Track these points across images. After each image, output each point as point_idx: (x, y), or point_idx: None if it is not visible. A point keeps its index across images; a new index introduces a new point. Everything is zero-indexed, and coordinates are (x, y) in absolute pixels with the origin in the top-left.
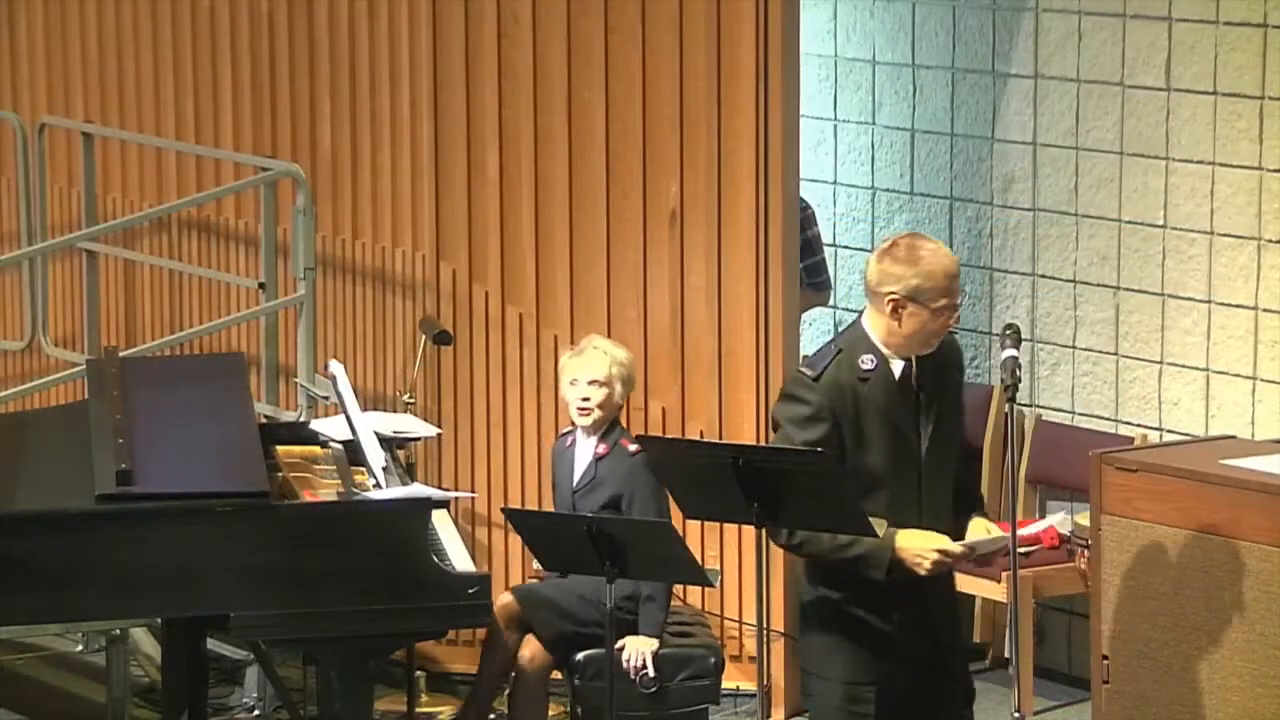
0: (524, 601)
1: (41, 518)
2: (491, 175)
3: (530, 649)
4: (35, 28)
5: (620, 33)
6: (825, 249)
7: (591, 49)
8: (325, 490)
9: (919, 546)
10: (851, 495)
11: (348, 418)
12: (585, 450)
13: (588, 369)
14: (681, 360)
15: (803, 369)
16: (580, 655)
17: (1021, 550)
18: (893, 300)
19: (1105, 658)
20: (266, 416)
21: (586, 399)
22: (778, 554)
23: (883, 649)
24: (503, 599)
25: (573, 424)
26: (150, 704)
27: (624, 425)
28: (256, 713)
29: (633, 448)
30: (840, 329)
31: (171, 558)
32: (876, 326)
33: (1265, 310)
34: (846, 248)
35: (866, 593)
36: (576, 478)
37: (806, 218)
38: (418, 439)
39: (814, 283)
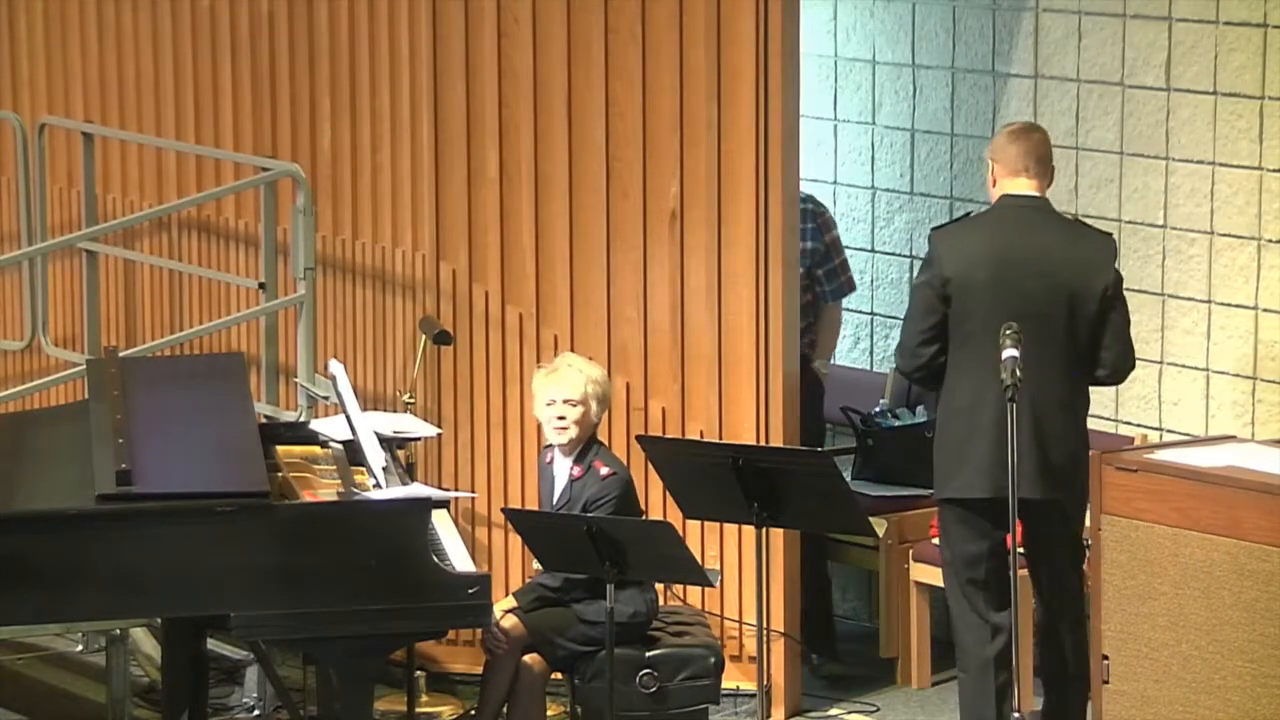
0: (530, 627)
1: (41, 518)
2: (491, 175)
3: (531, 653)
4: (35, 28)
5: (620, 33)
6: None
7: (591, 49)
8: (325, 490)
9: None
10: (850, 494)
11: (348, 418)
12: (562, 470)
13: (563, 388)
14: (681, 360)
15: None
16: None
17: (1021, 550)
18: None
19: (1105, 658)
20: (266, 416)
21: (562, 417)
22: (778, 554)
23: None
24: (510, 620)
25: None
26: (150, 704)
27: (603, 442)
28: (256, 713)
29: (604, 470)
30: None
31: (171, 558)
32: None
33: (1265, 310)
34: (846, 247)
35: None
36: (556, 497)
37: (827, 221)
38: (418, 439)
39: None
